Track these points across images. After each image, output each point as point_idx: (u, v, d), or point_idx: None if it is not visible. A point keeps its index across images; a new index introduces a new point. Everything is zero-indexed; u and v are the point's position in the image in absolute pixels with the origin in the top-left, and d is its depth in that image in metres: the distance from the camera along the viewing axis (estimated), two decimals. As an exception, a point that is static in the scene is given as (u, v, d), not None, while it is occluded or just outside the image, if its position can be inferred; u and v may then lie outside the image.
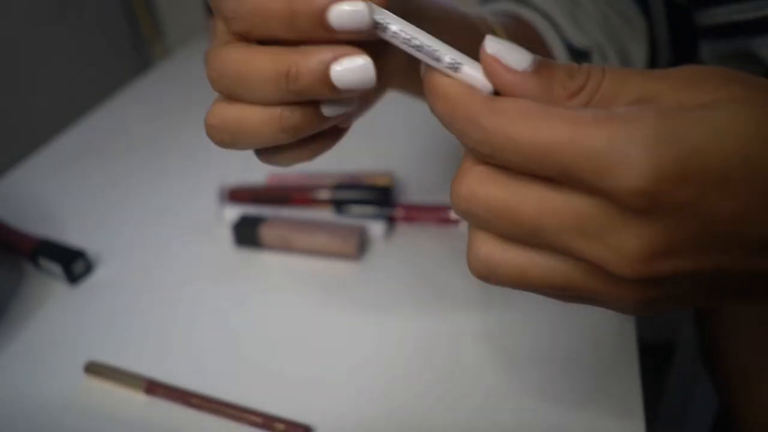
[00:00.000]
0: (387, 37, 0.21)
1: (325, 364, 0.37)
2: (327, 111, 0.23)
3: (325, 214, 0.49)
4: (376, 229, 0.46)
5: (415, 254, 0.45)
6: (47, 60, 0.76)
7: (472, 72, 0.20)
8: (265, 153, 0.25)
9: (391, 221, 0.47)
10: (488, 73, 0.20)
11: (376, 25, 0.21)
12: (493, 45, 0.19)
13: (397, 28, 0.21)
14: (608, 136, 0.17)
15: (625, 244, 0.18)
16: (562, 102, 0.19)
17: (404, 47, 0.21)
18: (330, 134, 0.26)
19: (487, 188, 0.20)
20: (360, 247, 0.45)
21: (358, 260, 0.45)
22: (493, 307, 0.40)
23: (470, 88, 0.20)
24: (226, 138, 0.24)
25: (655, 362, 0.60)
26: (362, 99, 0.30)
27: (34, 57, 0.74)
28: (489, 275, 0.21)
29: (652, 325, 0.81)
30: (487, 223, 0.20)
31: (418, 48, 0.21)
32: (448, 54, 0.21)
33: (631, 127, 0.17)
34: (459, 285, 0.42)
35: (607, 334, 0.37)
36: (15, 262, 0.47)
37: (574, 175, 0.18)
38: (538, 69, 0.19)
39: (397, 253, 0.45)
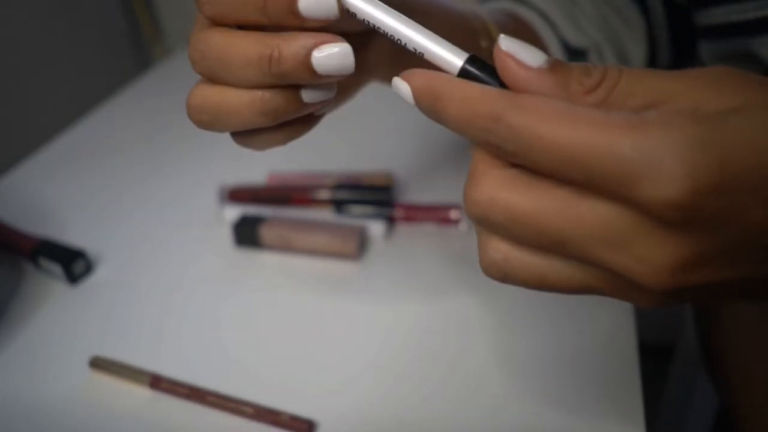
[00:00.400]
0: (368, 24, 0.22)
1: (325, 363, 0.37)
2: (307, 97, 0.24)
3: (325, 214, 0.49)
4: (376, 229, 0.46)
5: (415, 254, 0.45)
6: (47, 60, 0.76)
7: (437, 54, 0.21)
8: (241, 135, 0.26)
9: (391, 221, 0.47)
10: (502, 70, 0.19)
11: (348, 13, 0.22)
12: (507, 42, 0.19)
13: (362, 17, 0.22)
14: (641, 143, 0.16)
15: (653, 255, 0.17)
16: (578, 98, 0.19)
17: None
18: (305, 120, 0.26)
19: (507, 194, 0.19)
20: (360, 247, 0.45)
21: (358, 260, 0.45)
22: (494, 308, 0.40)
23: (486, 88, 0.19)
24: (205, 118, 0.24)
25: (655, 363, 0.60)
26: (342, 90, 0.30)
27: (34, 57, 0.74)
28: (505, 278, 0.20)
29: (652, 326, 0.81)
30: (506, 230, 0.19)
31: (387, 35, 0.22)
32: (411, 43, 0.21)
33: (665, 134, 0.16)
34: (459, 285, 0.42)
35: (607, 334, 0.37)
36: (15, 262, 0.47)
37: (601, 181, 0.17)
38: (553, 66, 0.19)
39: (397, 253, 0.45)
